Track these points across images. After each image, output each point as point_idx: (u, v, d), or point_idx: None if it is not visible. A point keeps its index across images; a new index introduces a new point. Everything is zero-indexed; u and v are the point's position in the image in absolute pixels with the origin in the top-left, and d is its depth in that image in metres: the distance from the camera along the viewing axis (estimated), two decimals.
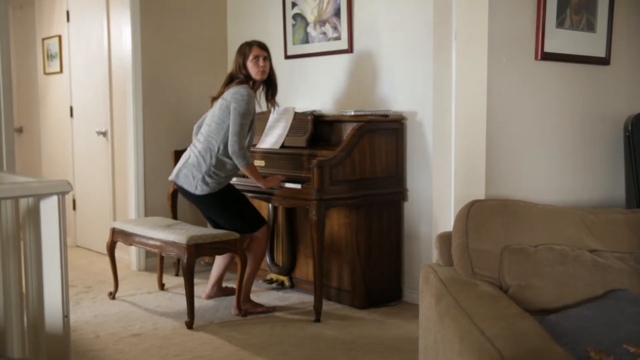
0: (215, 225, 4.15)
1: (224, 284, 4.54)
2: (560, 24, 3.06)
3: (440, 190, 2.98)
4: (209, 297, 4.41)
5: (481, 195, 2.81)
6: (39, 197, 2.51)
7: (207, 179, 3.92)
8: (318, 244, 3.89)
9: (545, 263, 2.39)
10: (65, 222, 2.56)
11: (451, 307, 2.19)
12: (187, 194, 4.04)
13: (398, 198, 4.31)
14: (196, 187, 3.94)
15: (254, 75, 3.99)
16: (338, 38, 4.69)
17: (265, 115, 4.62)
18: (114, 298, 4.46)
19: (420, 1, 4.12)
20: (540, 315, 2.27)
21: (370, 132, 4.12)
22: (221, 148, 3.93)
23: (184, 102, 5.40)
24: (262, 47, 4.05)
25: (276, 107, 4.27)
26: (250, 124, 3.95)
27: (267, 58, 4.03)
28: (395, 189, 4.28)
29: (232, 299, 4.26)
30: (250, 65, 3.99)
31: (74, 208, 6.13)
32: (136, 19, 5.15)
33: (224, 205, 4.03)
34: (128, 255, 5.35)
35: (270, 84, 4.12)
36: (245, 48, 4.02)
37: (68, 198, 5.94)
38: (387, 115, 4.24)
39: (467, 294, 2.27)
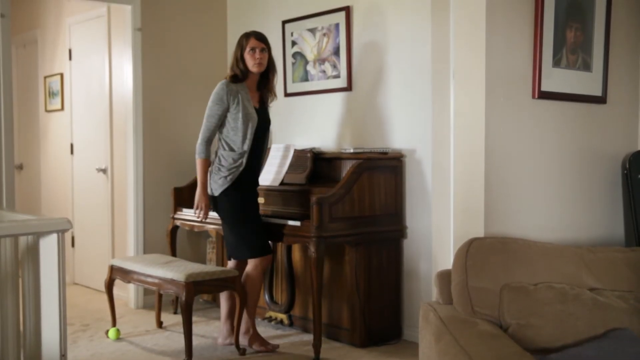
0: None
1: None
2: (556, 63, 3.10)
3: (439, 228, 2.98)
4: (231, 342, 4.09)
5: (480, 233, 2.81)
6: (38, 235, 2.51)
7: (215, 176, 3.93)
8: (317, 281, 3.87)
9: (545, 301, 2.38)
10: (65, 259, 2.56)
11: (451, 346, 2.18)
12: (211, 201, 4.02)
13: (397, 235, 4.31)
14: (210, 189, 3.96)
15: (251, 68, 3.91)
16: (337, 76, 4.74)
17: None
18: (119, 336, 4.41)
19: (419, 40, 4.18)
20: (540, 355, 2.25)
21: (370, 169, 4.13)
22: (220, 144, 3.95)
23: (185, 139, 5.42)
24: (260, 38, 3.95)
25: (272, 99, 4.11)
26: (224, 116, 3.87)
27: (265, 50, 3.94)
28: (395, 227, 4.28)
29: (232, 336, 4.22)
30: (247, 57, 3.90)
31: (73, 245, 6.12)
32: (137, 56, 5.21)
33: (230, 213, 3.94)
34: (126, 293, 5.31)
35: (266, 74, 4.00)
36: (243, 40, 3.95)
37: (67, 235, 5.93)
38: (386, 153, 4.26)
39: (467, 332, 2.26)
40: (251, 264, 3.99)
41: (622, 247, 3.28)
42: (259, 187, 4.16)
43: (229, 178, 3.88)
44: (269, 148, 4.53)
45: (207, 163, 3.93)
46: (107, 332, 4.41)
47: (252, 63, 3.90)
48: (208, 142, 3.91)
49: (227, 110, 3.87)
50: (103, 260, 5.52)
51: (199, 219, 4.03)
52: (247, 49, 3.90)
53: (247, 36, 3.94)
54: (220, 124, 3.91)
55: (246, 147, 3.89)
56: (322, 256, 3.89)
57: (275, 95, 4.12)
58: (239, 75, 3.92)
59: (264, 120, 4.01)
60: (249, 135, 3.89)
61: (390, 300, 4.28)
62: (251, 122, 3.89)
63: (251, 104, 3.92)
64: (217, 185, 3.92)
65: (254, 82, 3.99)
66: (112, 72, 5.54)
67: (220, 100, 3.86)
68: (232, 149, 3.90)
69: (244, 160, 3.91)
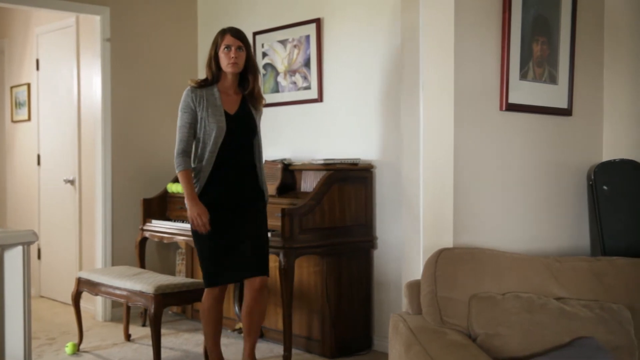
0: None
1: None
2: (523, 76, 3.15)
3: (409, 239, 3.00)
4: None
5: (449, 244, 2.83)
6: (3, 248, 2.47)
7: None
8: (287, 292, 3.86)
9: (513, 311, 2.41)
10: (30, 272, 2.52)
11: (420, 356, 2.19)
12: None
13: (367, 246, 4.32)
14: None
15: (224, 68, 3.49)
16: (308, 87, 4.75)
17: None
18: (78, 350, 4.34)
19: (389, 52, 4.21)
20: None
21: (340, 180, 4.15)
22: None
23: (154, 150, 5.39)
24: (237, 35, 3.51)
25: (260, 103, 3.64)
26: (194, 123, 3.47)
27: (242, 48, 3.49)
28: (365, 237, 4.29)
29: (201, 349, 4.18)
30: (221, 56, 3.48)
31: (39, 257, 6.02)
32: (106, 67, 5.16)
33: (193, 229, 3.51)
34: (94, 306, 5.24)
35: (246, 75, 3.56)
36: (218, 37, 3.52)
37: (33, 247, 5.83)
38: (356, 164, 4.28)
39: (436, 343, 2.27)
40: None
41: (587, 256, 3.32)
42: (240, 207, 3.55)
43: (198, 188, 3.51)
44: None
45: (189, 173, 3.49)
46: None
47: (226, 62, 3.47)
48: (184, 153, 3.48)
49: (196, 117, 3.48)
50: (70, 272, 5.44)
51: (205, 231, 3.46)
52: (222, 47, 3.48)
53: (222, 33, 3.52)
54: (194, 133, 3.50)
55: (206, 161, 3.44)
56: (292, 267, 3.88)
57: (262, 99, 3.66)
58: (208, 78, 3.54)
59: (240, 128, 3.52)
60: (211, 147, 3.43)
61: (360, 310, 4.29)
62: (215, 131, 3.43)
63: (221, 110, 3.47)
64: None
65: (231, 84, 3.55)
66: (80, 82, 5.49)
67: (188, 108, 3.49)
68: (195, 161, 3.53)
69: (204, 175, 3.47)
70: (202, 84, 3.52)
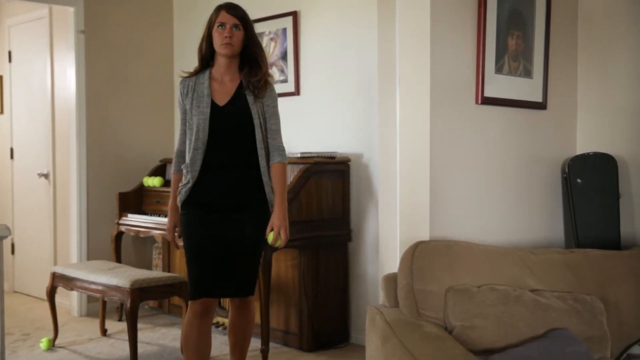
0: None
1: None
2: (498, 70, 3.17)
3: (386, 232, 3.01)
4: None
5: (426, 237, 2.85)
6: None
7: None
8: (265, 286, 3.86)
9: (488, 303, 2.43)
10: (3, 267, 2.49)
11: (397, 349, 2.20)
12: None
13: (345, 239, 4.33)
14: None
15: (217, 49, 3.00)
16: (285, 81, 4.74)
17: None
18: (53, 345, 4.30)
19: (366, 46, 4.22)
20: (484, 356, 2.30)
21: (317, 173, 4.15)
22: None
23: (130, 143, 5.35)
24: (233, 10, 3.02)
25: (268, 89, 3.07)
26: (185, 117, 3.06)
27: (239, 26, 2.99)
28: (342, 231, 4.30)
29: (178, 344, 4.16)
30: (214, 35, 2.99)
31: (13, 252, 5.95)
32: (81, 59, 5.10)
33: (182, 235, 3.13)
34: (69, 301, 5.19)
35: (246, 60, 3.05)
36: (213, 14, 3.04)
37: (6, 242, 5.76)
38: (333, 157, 4.28)
39: (413, 335, 2.29)
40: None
41: (561, 248, 3.37)
42: (230, 214, 3.04)
43: (182, 193, 3.07)
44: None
45: (178, 178, 3.12)
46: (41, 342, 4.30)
47: (219, 42, 2.97)
48: (179, 153, 3.11)
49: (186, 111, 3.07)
50: (44, 267, 5.38)
51: (175, 247, 3.26)
52: (216, 25, 2.99)
53: (217, 9, 3.03)
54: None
55: (190, 159, 3.00)
56: (269, 261, 3.88)
57: (269, 85, 3.07)
58: (200, 64, 3.08)
59: (228, 122, 3.01)
60: (194, 144, 2.97)
61: (337, 304, 4.30)
62: (197, 124, 2.97)
63: (207, 100, 2.99)
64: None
65: (227, 69, 3.04)
66: (54, 75, 5.42)
67: (179, 103, 3.10)
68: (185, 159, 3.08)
69: (192, 176, 3.01)
70: (194, 73, 3.08)
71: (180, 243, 3.15)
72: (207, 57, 3.05)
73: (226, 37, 2.95)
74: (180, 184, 3.07)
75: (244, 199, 3.04)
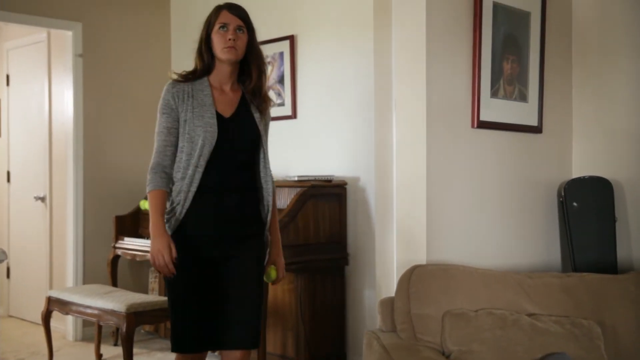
0: None
1: None
2: (494, 94, 3.19)
3: (382, 255, 3.01)
4: None
5: (422, 260, 2.85)
6: None
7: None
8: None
9: (486, 327, 2.42)
10: None
11: None
12: None
13: (342, 263, 4.32)
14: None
15: (219, 53, 2.59)
16: (282, 104, 4.76)
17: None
18: None
19: (362, 69, 4.24)
20: None
21: (314, 197, 4.15)
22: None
23: (127, 167, 5.35)
24: (236, 11, 2.62)
25: (261, 108, 2.68)
26: (175, 128, 2.57)
27: (243, 29, 2.60)
28: (339, 254, 4.29)
29: None
30: (215, 38, 2.59)
31: (8, 276, 5.91)
32: (78, 82, 5.12)
33: (165, 278, 2.58)
34: (64, 325, 5.16)
35: (247, 67, 2.65)
36: (212, 15, 2.64)
37: (2, 266, 5.73)
38: (330, 181, 4.29)
39: None
40: None
41: (558, 272, 3.36)
42: (232, 249, 2.60)
43: (172, 222, 2.57)
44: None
45: (161, 195, 2.55)
46: None
47: (221, 46, 2.57)
48: (157, 167, 2.56)
49: (178, 120, 2.58)
50: (40, 291, 5.35)
51: (169, 275, 2.51)
52: (216, 27, 2.59)
53: (217, 9, 2.64)
54: (176, 141, 2.59)
55: (188, 179, 2.52)
56: (267, 285, 3.86)
57: (270, 100, 2.72)
58: (197, 68, 2.65)
59: (237, 136, 2.60)
60: (195, 160, 2.52)
61: (334, 328, 4.28)
62: (202, 138, 2.52)
63: (211, 110, 2.57)
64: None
65: (228, 77, 2.64)
66: (52, 98, 5.44)
67: (167, 107, 2.58)
68: (173, 182, 2.58)
69: (184, 200, 2.53)
70: (189, 77, 2.63)
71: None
72: (209, 62, 2.63)
73: (230, 39, 2.56)
74: (168, 206, 2.56)
75: (249, 229, 2.63)
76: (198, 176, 2.52)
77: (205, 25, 2.64)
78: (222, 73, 2.63)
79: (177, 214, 2.54)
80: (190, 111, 2.55)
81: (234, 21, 2.58)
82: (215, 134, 2.52)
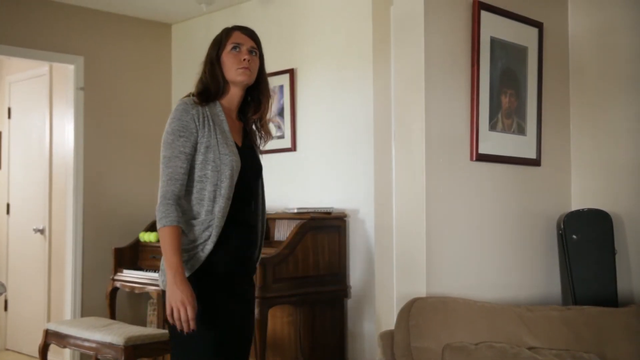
0: None
1: None
2: (492, 127, 3.21)
3: (382, 288, 3.00)
4: None
5: (422, 293, 2.84)
6: None
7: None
8: (261, 343, 3.81)
9: None
10: None
11: None
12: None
13: (341, 295, 4.30)
14: (160, 281, 2.34)
15: (233, 76, 2.37)
16: (282, 137, 4.79)
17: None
18: None
19: (361, 102, 4.27)
20: None
21: (313, 229, 4.15)
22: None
23: (126, 199, 5.35)
24: (249, 32, 2.43)
25: (266, 140, 2.52)
26: (193, 155, 2.29)
27: (256, 52, 2.41)
28: (339, 287, 4.28)
29: None
30: (226, 59, 2.37)
31: (6, 309, 5.88)
32: (79, 115, 5.15)
33: (177, 330, 2.20)
34: (62, 358, 5.11)
35: (255, 94, 2.45)
36: (222, 36, 2.42)
37: (0, 299, 5.71)
38: (329, 213, 4.29)
39: None
40: None
41: (558, 304, 3.35)
42: (249, 287, 2.45)
43: (194, 259, 2.26)
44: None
45: (178, 232, 2.21)
46: None
47: (234, 67, 2.36)
48: (173, 197, 2.23)
49: (196, 147, 2.30)
50: (38, 324, 5.31)
51: (187, 330, 2.16)
52: (228, 47, 2.38)
53: (227, 30, 2.43)
54: (190, 170, 2.29)
55: (218, 213, 2.26)
56: (266, 317, 3.84)
57: (269, 133, 2.52)
58: (210, 90, 2.37)
59: (252, 167, 2.43)
60: (225, 192, 2.27)
61: None
62: (230, 167, 2.29)
63: (231, 137, 2.36)
64: (164, 276, 2.27)
65: (236, 102, 2.43)
66: (52, 130, 5.47)
67: (187, 131, 2.28)
68: (193, 215, 2.29)
69: (213, 232, 2.26)
70: (204, 97, 2.36)
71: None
72: (223, 85, 2.38)
73: (245, 59, 2.35)
74: (186, 243, 2.25)
75: (256, 264, 2.46)
76: (227, 209, 2.28)
77: (214, 47, 2.41)
78: (232, 97, 2.41)
79: (203, 252, 2.26)
80: (214, 137, 2.29)
81: (247, 42, 2.40)
82: (239, 163, 2.32)
